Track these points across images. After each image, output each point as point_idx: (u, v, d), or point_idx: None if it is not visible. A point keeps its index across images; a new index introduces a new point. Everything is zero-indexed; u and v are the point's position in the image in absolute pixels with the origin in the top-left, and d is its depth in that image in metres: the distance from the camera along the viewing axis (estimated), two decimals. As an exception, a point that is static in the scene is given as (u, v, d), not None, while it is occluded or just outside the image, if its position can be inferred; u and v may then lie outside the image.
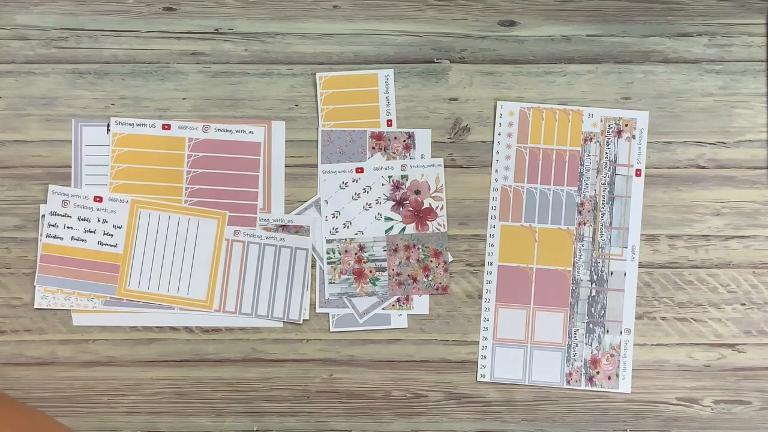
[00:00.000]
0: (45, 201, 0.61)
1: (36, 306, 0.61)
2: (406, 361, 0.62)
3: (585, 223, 0.60)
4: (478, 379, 0.61)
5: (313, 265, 0.61)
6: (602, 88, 0.62)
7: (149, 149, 0.61)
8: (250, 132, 0.62)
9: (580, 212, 0.60)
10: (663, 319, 0.61)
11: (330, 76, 0.62)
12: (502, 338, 0.60)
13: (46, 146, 0.62)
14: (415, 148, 0.62)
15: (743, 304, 0.61)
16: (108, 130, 0.62)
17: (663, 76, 0.62)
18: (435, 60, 0.62)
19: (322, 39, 0.62)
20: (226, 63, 0.62)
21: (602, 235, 0.60)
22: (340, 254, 0.61)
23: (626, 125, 0.60)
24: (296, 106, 0.62)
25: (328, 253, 0.61)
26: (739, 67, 0.62)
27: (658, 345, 0.61)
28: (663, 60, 0.62)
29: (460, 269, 0.61)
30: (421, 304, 0.61)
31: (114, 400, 0.61)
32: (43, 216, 0.61)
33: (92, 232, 0.61)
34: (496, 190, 0.60)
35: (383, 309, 0.61)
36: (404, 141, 0.62)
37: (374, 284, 0.61)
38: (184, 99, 0.62)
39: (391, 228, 0.61)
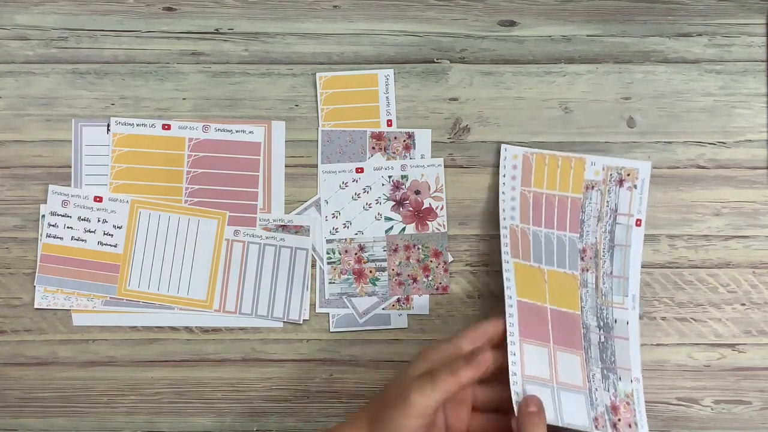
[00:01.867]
0: (45, 201, 0.61)
1: (36, 306, 0.61)
2: (406, 361, 0.61)
3: (588, 270, 0.58)
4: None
5: (313, 265, 0.61)
6: (602, 88, 0.62)
7: (149, 149, 0.61)
8: (250, 132, 0.62)
9: (582, 258, 0.58)
10: (663, 319, 0.61)
11: (330, 76, 0.62)
12: (531, 375, 0.56)
13: (46, 146, 0.62)
14: (415, 148, 0.62)
15: (743, 304, 0.61)
16: (108, 130, 0.62)
17: (663, 76, 0.62)
18: (435, 60, 0.62)
19: (322, 39, 0.62)
20: (226, 63, 0.62)
21: (604, 283, 0.58)
22: (340, 254, 0.61)
23: (628, 175, 0.58)
24: (296, 106, 0.62)
25: (328, 253, 0.61)
26: (739, 67, 0.62)
27: (658, 345, 0.61)
28: (663, 60, 0.62)
29: (460, 269, 0.61)
30: (421, 304, 0.61)
31: (114, 400, 0.61)
32: (43, 216, 0.61)
33: (92, 232, 0.61)
34: (506, 228, 0.59)
35: (383, 309, 0.61)
36: (404, 141, 0.62)
37: (374, 284, 0.61)
38: (184, 99, 0.62)
39: (391, 228, 0.61)
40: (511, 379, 0.55)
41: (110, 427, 0.61)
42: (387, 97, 0.62)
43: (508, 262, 0.58)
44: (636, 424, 0.56)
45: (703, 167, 0.61)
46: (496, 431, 0.54)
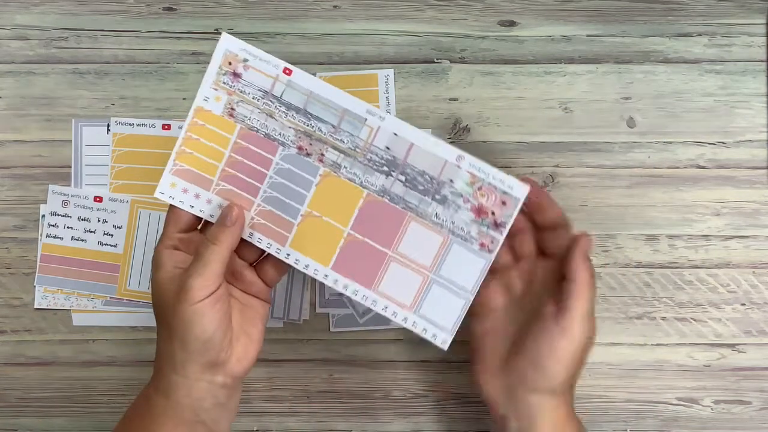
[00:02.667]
0: (45, 201, 0.61)
1: (36, 306, 0.61)
2: (406, 361, 0.61)
3: (322, 153, 0.50)
4: (444, 349, 0.51)
5: (313, 265, 0.61)
6: (602, 88, 0.62)
7: (149, 149, 0.61)
8: (250, 132, 0.61)
9: (308, 154, 0.50)
10: (663, 319, 0.61)
11: (330, 76, 0.62)
12: (409, 300, 0.50)
13: (46, 146, 0.62)
14: (414, 148, 0.61)
15: (743, 304, 0.61)
16: (108, 130, 0.62)
17: (663, 76, 0.62)
18: (435, 60, 0.62)
19: (322, 39, 0.62)
20: (226, 63, 0.62)
21: (342, 141, 0.50)
22: (339, 254, 0.61)
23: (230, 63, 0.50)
24: (296, 106, 0.62)
25: (327, 252, 0.61)
26: (739, 67, 0.62)
27: (658, 345, 0.61)
28: (663, 60, 0.62)
29: (460, 269, 0.61)
30: (421, 304, 0.61)
31: (114, 400, 0.61)
32: (43, 216, 0.61)
33: (92, 232, 0.61)
34: (251, 233, 0.51)
35: (383, 309, 0.61)
36: (404, 141, 0.61)
37: (374, 284, 0.61)
38: (184, 99, 0.62)
39: (391, 228, 0.61)
40: (409, 323, 0.50)
41: (110, 427, 0.61)
42: (387, 97, 0.62)
43: (289, 255, 0.51)
44: (505, 192, 0.48)
45: (703, 167, 0.61)
46: (284, 267, 0.52)
